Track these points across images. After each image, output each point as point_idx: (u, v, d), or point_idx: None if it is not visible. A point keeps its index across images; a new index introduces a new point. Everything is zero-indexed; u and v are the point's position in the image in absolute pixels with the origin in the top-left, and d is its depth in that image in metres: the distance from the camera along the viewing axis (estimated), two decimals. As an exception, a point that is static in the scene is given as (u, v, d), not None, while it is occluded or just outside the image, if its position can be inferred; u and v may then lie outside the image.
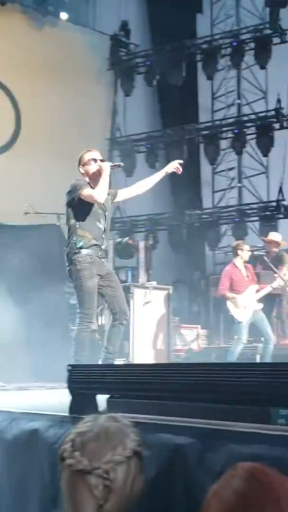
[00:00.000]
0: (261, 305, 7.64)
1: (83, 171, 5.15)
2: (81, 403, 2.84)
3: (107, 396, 2.79)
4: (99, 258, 5.04)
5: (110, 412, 2.74)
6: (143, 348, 8.10)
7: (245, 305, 7.50)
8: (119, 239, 11.03)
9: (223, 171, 14.15)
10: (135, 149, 12.64)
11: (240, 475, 1.24)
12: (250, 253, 7.91)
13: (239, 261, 7.79)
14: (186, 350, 8.88)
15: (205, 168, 13.78)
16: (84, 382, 2.85)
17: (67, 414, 2.87)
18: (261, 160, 13.50)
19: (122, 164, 5.48)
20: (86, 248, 4.96)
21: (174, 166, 5.38)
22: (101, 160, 5.15)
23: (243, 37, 12.39)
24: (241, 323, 7.48)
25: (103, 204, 5.07)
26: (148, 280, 9.29)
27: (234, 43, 12.21)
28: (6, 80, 11.43)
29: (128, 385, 2.68)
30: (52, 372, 6.17)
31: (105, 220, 5.14)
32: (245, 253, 7.82)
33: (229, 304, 7.58)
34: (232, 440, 2.13)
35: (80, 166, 5.16)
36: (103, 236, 5.11)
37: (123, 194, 5.41)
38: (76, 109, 12.18)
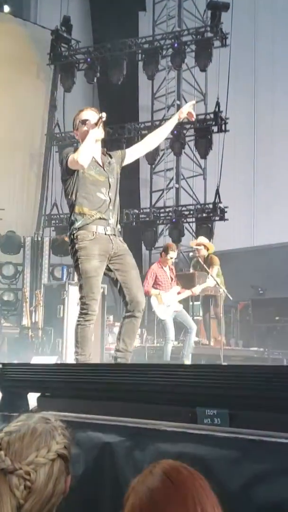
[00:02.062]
0: (181, 306, 7.76)
1: (77, 138, 4.38)
2: (12, 401, 2.83)
3: (38, 394, 2.80)
4: (106, 234, 4.18)
5: (40, 410, 2.77)
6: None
7: (168, 303, 7.60)
8: (55, 236, 11.01)
9: (161, 171, 14.30)
10: (74, 146, 12.57)
11: (155, 472, 1.32)
12: (172, 259, 7.94)
13: (164, 262, 7.87)
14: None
15: (144, 167, 13.88)
16: (15, 380, 2.85)
17: (-3, 412, 2.85)
18: (199, 162, 13.72)
19: (103, 115, 4.14)
20: (87, 225, 4.14)
21: (188, 111, 4.47)
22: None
23: (184, 38, 12.55)
24: (165, 321, 7.59)
25: (104, 170, 4.27)
26: (83, 278, 9.26)
27: (175, 45, 12.34)
28: None
29: (58, 384, 2.70)
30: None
31: (109, 188, 4.26)
32: (173, 255, 7.88)
33: (153, 300, 7.61)
34: (159, 439, 2.19)
35: (75, 131, 4.39)
36: (110, 207, 4.23)
37: (133, 153, 4.51)
38: (15, 103, 12.07)
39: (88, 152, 4.11)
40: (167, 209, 13.16)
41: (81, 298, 4.17)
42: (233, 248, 13.08)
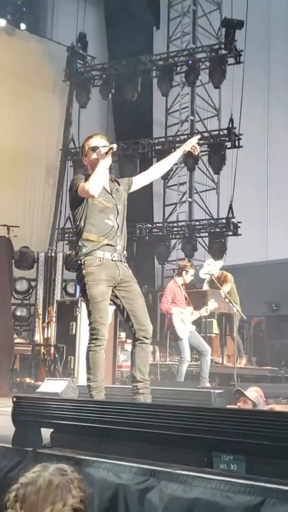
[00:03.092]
0: (194, 327, 7.73)
1: (85, 163, 4.41)
2: (25, 435, 2.83)
3: (51, 429, 2.79)
4: (113, 260, 4.23)
5: (53, 446, 2.77)
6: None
7: (186, 323, 7.56)
8: (69, 252, 11.01)
9: (174, 185, 14.31)
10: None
11: None
12: (192, 277, 7.93)
13: (180, 281, 7.85)
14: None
15: (157, 181, 13.89)
16: (29, 414, 2.84)
17: (10, 445, 2.85)
18: (212, 176, 13.72)
19: (114, 146, 4.28)
20: (95, 250, 4.19)
21: (192, 144, 4.56)
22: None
23: (198, 55, 12.58)
24: (183, 340, 7.53)
25: (112, 197, 4.33)
26: (96, 295, 9.26)
27: (190, 62, 12.37)
28: None
29: (72, 421, 2.68)
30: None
31: (117, 215, 4.31)
32: (188, 276, 7.86)
33: (175, 319, 7.54)
34: (174, 482, 2.17)
35: (83, 158, 4.43)
36: (118, 233, 4.29)
37: (140, 181, 4.60)
38: (30, 118, 12.16)
39: (99, 182, 4.17)
40: (180, 224, 13.15)
41: (90, 324, 4.19)
42: (246, 263, 13.04)
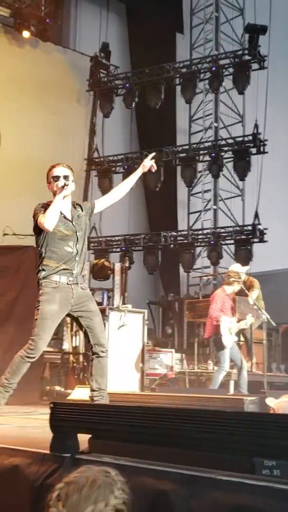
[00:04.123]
0: (236, 338, 7.69)
1: (49, 190, 4.69)
2: (63, 441, 2.82)
3: (89, 435, 2.78)
4: (68, 284, 4.58)
5: (91, 452, 2.76)
6: (117, 372, 8.08)
7: (232, 333, 7.51)
8: (95, 261, 11.02)
9: (199, 192, 14.29)
10: (112, 170, 12.70)
11: None
12: (240, 287, 7.88)
13: (229, 290, 7.79)
14: (160, 375, 8.87)
15: (181, 189, 13.90)
16: (66, 420, 2.83)
17: (48, 451, 2.85)
18: (237, 183, 13.69)
19: (67, 184, 4.54)
20: (52, 274, 4.54)
21: (149, 164, 4.88)
22: (65, 177, 4.59)
23: (222, 62, 12.58)
24: (225, 350, 7.46)
25: (73, 224, 4.63)
26: (124, 303, 9.28)
27: (213, 68, 12.38)
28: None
29: (109, 426, 2.67)
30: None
31: (77, 241, 4.65)
32: (237, 286, 7.82)
33: (223, 328, 7.46)
34: (216, 488, 2.14)
35: (47, 184, 4.70)
36: (76, 258, 4.62)
37: (102, 203, 4.93)
38: (55, 129, 12.25)
39: (54, 218, 4.49)
40: (205, 231, 13.12)
41: (31, 336, 4.51)
42: (272, 270, 12.96)
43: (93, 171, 12.96)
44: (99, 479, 1.57)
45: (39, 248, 4.63)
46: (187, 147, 13.06)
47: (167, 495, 2.24)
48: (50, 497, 1.58)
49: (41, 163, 11.54)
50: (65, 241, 4.60)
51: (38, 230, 4.59)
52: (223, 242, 12.63)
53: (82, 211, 4.74)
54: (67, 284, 4.57)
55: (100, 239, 12.85)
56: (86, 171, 12.94)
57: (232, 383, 7.78)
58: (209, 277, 13.15)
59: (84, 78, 13.00)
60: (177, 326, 11.56)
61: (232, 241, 12.51)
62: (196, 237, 12.90)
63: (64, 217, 4.61)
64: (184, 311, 10.53)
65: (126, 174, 12.53)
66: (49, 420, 2.89)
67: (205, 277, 12.68)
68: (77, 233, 4.65)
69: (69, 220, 4.63)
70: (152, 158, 4.96)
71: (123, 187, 4.99)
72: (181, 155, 12.66)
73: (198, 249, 13.11)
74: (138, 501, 2.34)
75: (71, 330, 9.34)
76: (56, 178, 4.59)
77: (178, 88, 12.75)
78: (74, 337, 9.26)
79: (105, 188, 12.28)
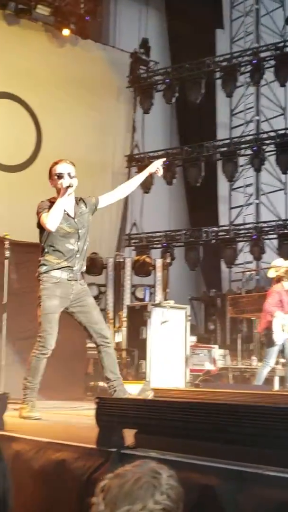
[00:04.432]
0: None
1: (52, 186, 4.70)
2: (109, 436, 2.83)
3: (135, 430, 2.79)
4: (68, 280, 4.63)
5: (136, 447, 2.76)
6: (160, 368, 8.09)
7: (285, 329, 7.40)
8: (136, 257, 11.06)
9: (240, 187, 14.18)
10: (48, 203, 12.65)
11: None
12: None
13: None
14: (203, 371, 8.85)
15: (223, 184, 13.81)
16: (111, 415, 2.85)
17: (94, 446, 2.86)
18: (280, 176, 13.52)
19: (71, 185, 4.55)
20: (53, 270, 4.60)
21: (156, 166, 4.97)
22: (69, 175, 4.59)
23: (262, 54, 12.43)
24: (274, 346, 7.37)
25: (75, 222, 4.66)
26: (165, 299, 9.29)
27: (254, 61, 12.25)
28: (28, 98, 11.55)
29: (154, 421, 2.66)
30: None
31: (79, 239, 4.68)
32: None
33: (276, 323, 7.36)
34: (264, 483, 2.12)
35: (50, 180, 4.71)
36: (77, 255, 4.68)
37: (106, 199, 4.94)
38: (95, 126, 12.31)
39: (57, 219, 4.54)
40: (247, 226, 13.01)
41: (38, 333, 4.59)
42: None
43: (133, 167, 12.97)
44: (144, 478, 1.48)
45: (42, 244, 4.68)
46: (228, 141, 12.96)
47: (213, 490, 2.23)
48: (98, 487, 1.53)
49: (82, 161, 11.69)
50: (67, 238, 4.63)
51: (41, 227, 4.63)
52: (266, 237, 12.50)
53: (86, 207, 4.77)
54: (67, 280, 4.63)
55: (141, 235, 12.87)
56: (127, 167, 12.96)
57: (277, 379, 7.70)
58: (252, 272, 13.03)
59: (123, 74, 13.02)
60: (220, 322, 11.51)
61: (275, 236, 12.37)
62: (238, 232, 12.80)
63: (68, 214, 4.63)
64: (226, 306, 10.49)
65: (166, 170, 12.52)
66: (95, 415, 2.90)
67: (247, 273, 12.57)
68: (79, 231, 4.68)
69: (72, 218, 4.66)
70: (162, 163, 5.07)
71: (130, 186, 5.07)
72: (222, 149, 12.57)
73: (240, 244, 13.01)
74: (184, 496, 2.34)
75: (114, 326, 9.40)
76: (61, 175, 4.57)
77: (219, 82, 12.66)
78: (117, 333, 9.32)
79: (145, 185, 12.28)
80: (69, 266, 4.63)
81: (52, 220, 4.52)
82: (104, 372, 4.76)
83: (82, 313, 4.71)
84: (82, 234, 4.70)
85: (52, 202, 4.61)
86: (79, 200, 4.77)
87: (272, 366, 7.44)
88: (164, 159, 5.36)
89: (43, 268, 4.62)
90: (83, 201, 4.81)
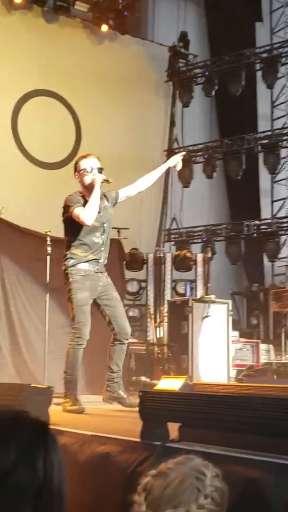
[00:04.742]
0: None
1: (77, 179, 4.87)
2: (153, 430, 2.83)
3: (179, 424, 2.78)
4: (95, 273, 4.83)
5: (181, 441, 2.75)
6: (202, 363, 8.07)
7: None
8: (176, 252, 11.03)
9: (283, 179, 14.01)
10: (192, 160, 12.63)
11: None
12: None
13: None
14: (246, 366, 8.79)
15: (264, 177, 13.64)
16: (155, 408, 2.85)
17: (138, 440, 2.87)
18: None
19: (111, 180, 4.81)
20: (80, 263, 4.77)
21: (176, 161, 5.22)
22: (99, 170, 4.80)
23: (304, 45, 12.23)
24: None
25: (100, 216, 4.82)
26: (207, 294, 9.25)
27: (295, 51, 12.06)
28: (67, 95, 11.63)
29: (198, 415, 2.65)
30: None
31: (104, 232, 4.89)
32: None
33: None
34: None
35: (76, 173, 4.87)
36: (102, 248, 4.88)
37: (125, 193, 5.11)
38: (135, 122, 12.31)
39: (94, 213, 4.71)
40: (290, 219, 12.84)
41: (73, 325, 4.75)
42: None
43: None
44: (188, 480, 1.42)
45: (68, 237, 4.85)
46: (269, 133, 12.78)
47: (258, 484, 2.21)
48: (140, 484, 1.50)
49: (121, 157, 11.76)
50: (93, 232, 4.80)
51: (70, 220, 4.76)
52: (310, 230, 12.32)
53: (108, 202, 4.96)
54: (95, 272, 4.82)
55: (181, 230, 12.82)
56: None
57: None
58: (295, 266, 12.84)
59: (162, 69, 12.97)
60: (263, 316, 11.39)
61: None
62: (280, 225, 12.63)
63: None
64: (269, 301, 10.37)
65: (206, 164, 12.45)
66: (139, 409, 2.91)
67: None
68: (104, 225, 4.87)
69: (98, 212, 4.81)
70: (182, 156, 5.31)
71: (149, 179, 5.16)
72: (263, 141, 12.41)
73: (283, 238, 12.83)
74: (229, 490, 2.32)
75: (155, 322, 9.40)
76: (99, 170, 4.80)
77: (259, 73, 12.51)
78: (158, 328, 9.32)
79: (185, 179, 12.24)
80: (95, 259, 4.80)
81: (91, 215, 4.68)
82: (109, 362, 4.97)
83: (108, 307, 4.91)
84: (106, 228, 4.89)
85: (81, 197, 4.77)
86: (102, 195, 4.90)
87: None
88: (184, 152, 5.55)
89: (71, 262, 4.77)
90: (105, 195, 4.96)
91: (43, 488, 1.20)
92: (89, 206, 4.69)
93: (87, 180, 4.76)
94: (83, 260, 4.78)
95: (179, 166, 5.31)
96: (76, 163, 4.89)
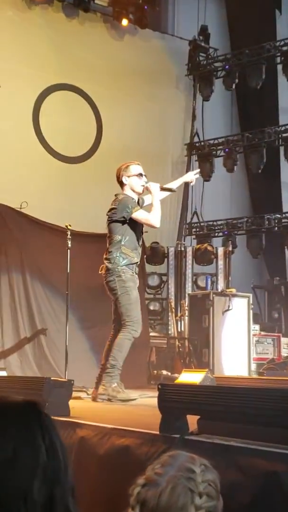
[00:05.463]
0: None
1: (126, 182, 5.14)
2: (172, 422, 2.85)
3: (198, 416, 2.79)
4: (136, 274, 5.17)
5: (200, 433, 2.76)
6: (223, 356, 8.06)
7: None
8: (197, 246, 11.01)
9: (304, 173, 13.89)
10: (213, 154, 12.59)
11: None
12: None
13: None
14: (267, 359, 8.76)
15: (286, 170, 13.54)
16: (174, 401, 2.86)
17: (157, 432, 2.88)
18: None
19: (174, 189, 5.35)
20: (130, 264, 5.04)
21: (191, 178, 5.55)
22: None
23: None
24: None
25: None
26: (228, 287, 9.23)
27: None
28: (88, 89, 11.64)
29: (217, 407, 2.66)
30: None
31: (142, 236, 5.24)
32: None
33: None
34: None
35: (125, 177, 5.15)
36: (140, 251, 5.24)
37: (147, 200, 5.42)
38: (155, 116, 12.29)
39: (160, 215, 5.07)
40: (311, 212, 12.73)
41: (128, 320, 4.98)
42: None
43: (193, 156, 12.89)
44: (179, 484, 1.39)
45: (117, 236, 5.03)
46: (291, 126, 12.68)
47: (278, 476, 2.21)
48: (132, 490, 1.46)
49: (142, 150, 11.76)
50: (139, 235, 5.11)
51: (125, 219, 4.98)
52: None
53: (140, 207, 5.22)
54: (135, 274, 5.14)
55: (202, 224, 12.79)
56: (187, 156, 12.90)
57: None
58: None
59: (182, 63, 12.93)
60: (284, 310, 11.33)
61: None
62: (302, 219, 12.54)
63: None
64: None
65: (227, 158, 12.39)
66: (158, 401, 2.93)
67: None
68: (142, 228, 5.18)
69: None
70: (197, 174, 5.68)
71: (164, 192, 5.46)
72: (284, 134, 12.31)
73: (304, 232, 12.74)
74: (247, 482, 2.33)
75: (176, 315, 9.41)
76: (142, 175, 5.17)
77: (280, 67, 12.40)
78: (179, 322, 9.33)
79: (206, 173, 12.19)
80: (136, 262, 5.10)
81: (159, 219, 5.02)
82: (107, 352, 5.16)
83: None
84: (143, 231, 5.24)
85: (133, 199, 5.09)
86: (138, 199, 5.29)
87: None
88: (198, 170, 5.97)
89: (123, 261, 4.99)
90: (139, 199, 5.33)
91: (48, 464, 1.22)
92: (158, 211, 5.01)
93: (138, 184, 5.09)
94: (133, 261, 5.04)
95: (194, 183, 5.63)
96: (127, 166, 5.16)
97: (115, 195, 5.23)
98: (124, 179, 5.14)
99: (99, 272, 5.14)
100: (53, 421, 1.30)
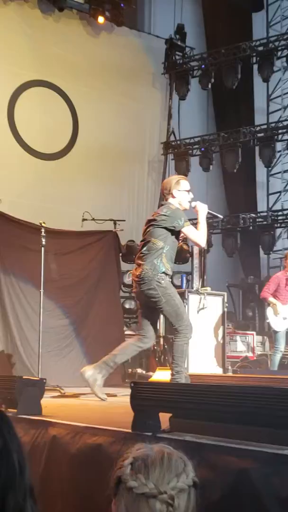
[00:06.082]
0: None
1: (177, 196, 5.15)
2: (144, 420, 2.85)
3: (170, 414, 2.79)
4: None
5: (172, 431, 2.76)
6: (198, 354, 8.08)
7: (284, 315, 7.52)
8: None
9: (278, 173, 14.02)
10: (189, 153, 12.62)
11: None
12: None
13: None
14: (241, 357, 8.82)
15: (260, 170, 13.65)
16: (146, 399, 2.86)
17: (130, 430, 2.88)
18: None
19: (220, 217, 5.60)
20: (167, 275, 4.99)
21: (202, 210, 5.39)
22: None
23: (300, 38, 12.18)
24: (278, 332, 7.52)
25: None
26: (203, 286, 9.25)
27: (291, 45, 12.01)
28: (64, 86, 11.59)
29: (189, 405, 2.67)
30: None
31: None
32: None
33: (268, 311, 7.66)
34: (300, 467, 2.11)
35: (176, 190, 5.16)
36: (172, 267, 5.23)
37: None
38: (131, 114, 12.29)
39: (206, 237, 5.22)
40: (285, 212, 12.84)
41: (181, 324, 4.94)
42: None
43: (170, 154, 12.91)
44: (172, 453, 1.53)
45: (158, 243, 4.97)
46: (265, 126, 12.77)
47: (249, 473, 2.22)
48: (122, 471, 1.52)
49: (117, 148, 11.75)
50: (175, 250, 5.08)
51: (172, 228, 4.97)
52: (304, 223, 12.33)
53: None
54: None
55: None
56: (163, 154, 12.91)
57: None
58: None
59: (159, 61, 12.94)
60: (258, 308, 11.41)
61: (314, 222, 12.20)
62: (276, 218, 12.65)
63: None
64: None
65: (203, 157, 12.43)
66: (130, 400, 2.92)
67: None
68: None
69: None
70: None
71: None
72: (259, 135, 12.41)
73: (278, 231, 12.85)
74: (219, 479, 2.33)
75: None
76: (189, 192, 5.25)
77: (255, 67, 12.48)
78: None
79: (181, 172, 12.22)
80: (170, 275, 5.08)
81: (205, 239, 5.22)
82: (123, 357, 5.32)
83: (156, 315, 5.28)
84: None
85: (182, 212, 5.12)
86: None
87: (282, 351, 7.60)
88: (206, 205, 5.48)
89: (163, 269, 4.92)
90: None
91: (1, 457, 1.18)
92: (203, 231, 5.15)
93: (186, 199, 5.15)
94: (168, 273, 5.00)
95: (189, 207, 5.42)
96: (178, 181, 5.22)
97: (165, 203, 5.19)
98: (175, 193, 5.15)
99: (131, 278, 5.15)
100: (9, 420, 1.25)
